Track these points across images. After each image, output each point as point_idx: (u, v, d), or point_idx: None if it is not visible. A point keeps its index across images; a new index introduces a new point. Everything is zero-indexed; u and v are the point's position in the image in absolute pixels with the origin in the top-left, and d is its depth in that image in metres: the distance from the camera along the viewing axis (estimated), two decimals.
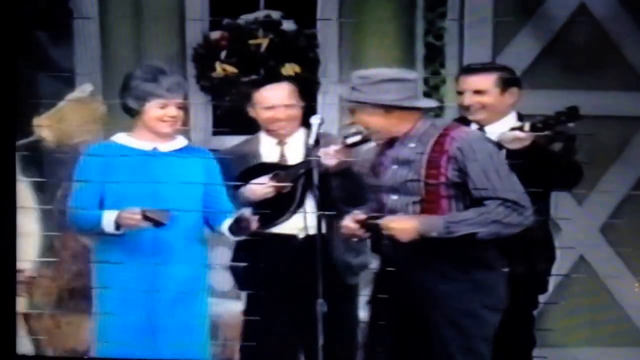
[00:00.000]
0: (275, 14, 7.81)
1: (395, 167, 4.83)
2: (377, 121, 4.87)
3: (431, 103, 4.97)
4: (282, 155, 5.47)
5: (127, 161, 5.22)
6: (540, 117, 5.27)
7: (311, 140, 5.13)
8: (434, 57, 7.52)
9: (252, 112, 5.56)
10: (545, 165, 4.99)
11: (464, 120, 5.42)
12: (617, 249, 7.41)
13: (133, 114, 5.34)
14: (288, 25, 7.79)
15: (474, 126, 5.34)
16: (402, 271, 4.83)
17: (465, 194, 4.73)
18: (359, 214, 4.90)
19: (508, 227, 4.65)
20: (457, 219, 4.66)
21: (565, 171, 5.30)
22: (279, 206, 5.25)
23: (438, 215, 4.69)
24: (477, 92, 5.39)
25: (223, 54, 7.78)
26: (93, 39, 7.87)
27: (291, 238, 5.23)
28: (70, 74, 7.80)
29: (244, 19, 7.81)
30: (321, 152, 5.12)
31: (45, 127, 6.45)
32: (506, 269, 4.76)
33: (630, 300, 7.46)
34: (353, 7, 7.77)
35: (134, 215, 5.10)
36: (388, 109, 4.80)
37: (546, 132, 5.22)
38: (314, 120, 5.20)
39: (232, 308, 7.28)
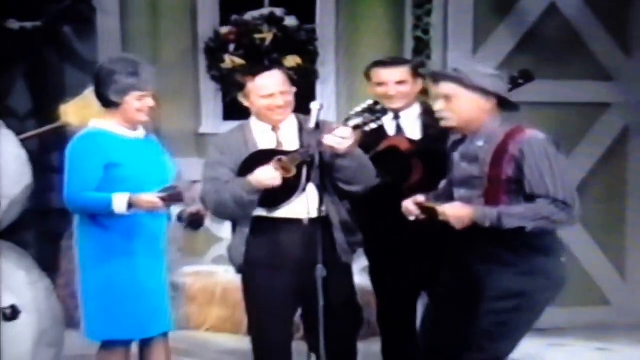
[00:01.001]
0: (279, 11, 7.89)
1: (464, 164, 4.77)
2: (471, 110, 4.71)
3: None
4: (278, 141, 5.07)
5: (126, 147, 5.07)
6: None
7: (312, 125, 4.86)
8: (422, 50, 7.53)
9: (245, 102, 5.14)
10: None
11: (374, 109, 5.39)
12: (581, 219, 7.58)
13: (112, 105, 5.12)
14: (290, 21, 7.86)
15: (390, 114, 5.39)
16: (461, 254, 4.79)
17: (522, 190, 4.68)
18: (420, 197, 4.80)
19: (555, 223, 4.65)
20: (510, 212, 4.61)
21: None
22: (284, 190, 4.93)
23: (492, 207, 4.65)
24: (399, 82, 5.42)
25: (231, 47, 7.85)
26: (114, 33, 7.90)
27: (297, 222, 4.91)
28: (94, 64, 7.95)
29: (251, 15, 7.88)
30: (330, 136, 4.85)
31: (71, 113, 6.44)
32: (563, 258, 4.77)
33: (593, 264, 7.66)
34: (349, 5, 7.85)
35: (155, 201, 4.95)
36: (489, 99, 4.71)
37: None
38: (314, 105, 4.90)
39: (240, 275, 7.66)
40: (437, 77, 4.86)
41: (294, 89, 5.14)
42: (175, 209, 5.12)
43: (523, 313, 4.71)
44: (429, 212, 4.75)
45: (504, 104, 4.78)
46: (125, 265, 5.05)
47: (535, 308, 4.74)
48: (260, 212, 5.00)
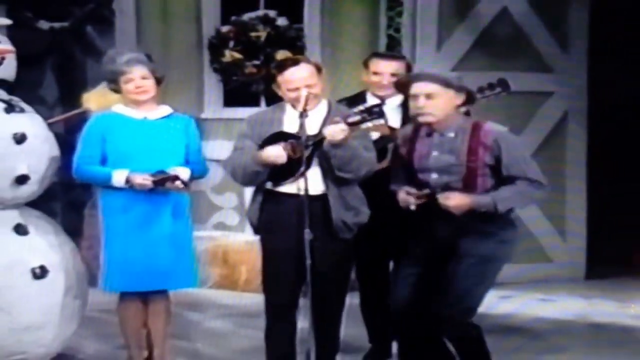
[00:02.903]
0: (272, 13, 7.87)
1: (436, 153, 4.73)
2: (448, 105, 4.70)
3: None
4: (302, 125, 4.81)
5: (125, 127, 5.10)
6: (475, 89, 5.27)
7: (299, 108, 4.77)
8: (394, 46, 7.55)
9: (278, 92, 4.97)
10: None
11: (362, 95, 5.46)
12: None
13: (117, 92, 5.16)
14: (281, 21, 7.84)
15: (375, 99, 5.35)
16: (446, 227, 4.74)
17: (494, 173, 4.69)
18: (410, 189, 4.76)
19: (532, 200, 4.79)
20: (501, 197, 4.64)
21: None
22: (287, 170, 4.84)
23: (484, 194, 4.66)
24: (393, 74, 5.34)
25: (231, 44, 7.85)
26: (130, 32, 7.93)
27: (296, 196, 4.81)
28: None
29: (247, 16, 7.87)
30: (327, 129, 4.75)
31: (92, 101, 6.56)
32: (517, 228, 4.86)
33: (538, 228, 7.72)
34: (332, 7, 7.85)
35: (146, 180, 4.99)
36: (459, 96, 4.71)
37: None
38: (303, 92, 4.79)
39: (238, 238, 7.63)
40: (422, 78, 4.79)
41: (321, 81, 4.92)
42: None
43: (495, 273, 4.80)
44: (425, 200, 4.74)
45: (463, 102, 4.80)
46: (140, 225, 5.09)
47: (501, 267, 4.83)
48: (269, 186, 4.95)
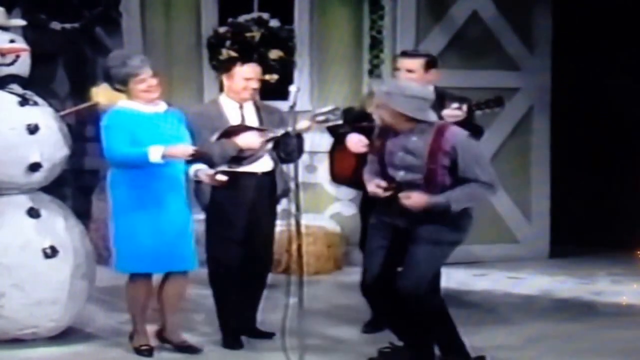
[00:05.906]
0: (265, 15, 7.81)
1: (401, 153, 4.81)
2: (394, 119, 4.79)
3: (433, 117, 4.88)
4: (242, 116, 5.30)
5: (143, 121, 5.02)
6: (473, 101, 5.38)
7: (290, 103, 4.83)
8: (376, 46, 7.56)
9: (227, 80, 5.34)
10: (470, 129, 5.00)
11: None
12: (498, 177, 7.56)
13: (123, 92, 5.07)
14: (274, 23, 7.79)
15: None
16: (403, 214, 4.80)
17: (452, 172, 4.78)
18: (380, 181, 4.84)
19: (483, 199, 4.87)
20: (454, 198, 4.73)
21: (478, 131, 5.39)
22: (247, 154, 5.23)
23: (439, 194, 4.75)
24: (409, 71, 5.37)
25: (228, 43, 7.76)
26: (135, 32, 7.86)
27: (253, 174, 5.23)
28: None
29: (243, 18, 7.80)
30: (299, 125, 5.10)
31: (100, 95, 6.51)
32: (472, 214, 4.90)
33: (506, 211, 7.71)
34: (320, 10, 7.81)
35: (186, 151, 4.97)
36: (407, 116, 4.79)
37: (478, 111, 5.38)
38: (293, 88, 4.87)
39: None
40: (374, 92, 5.04)
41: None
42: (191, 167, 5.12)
43: (446, 254, 4.86)
44: (392, 192, 4.81)
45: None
46: (149, 211, 5.03)
47: (453, 249, 4.88)
48: (224, 167, 5.19)
